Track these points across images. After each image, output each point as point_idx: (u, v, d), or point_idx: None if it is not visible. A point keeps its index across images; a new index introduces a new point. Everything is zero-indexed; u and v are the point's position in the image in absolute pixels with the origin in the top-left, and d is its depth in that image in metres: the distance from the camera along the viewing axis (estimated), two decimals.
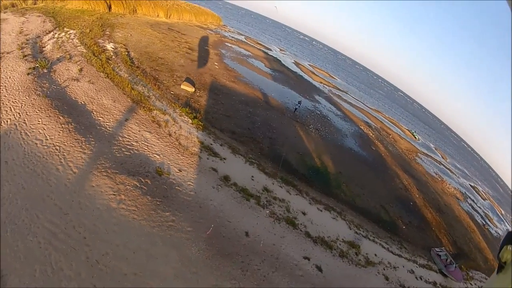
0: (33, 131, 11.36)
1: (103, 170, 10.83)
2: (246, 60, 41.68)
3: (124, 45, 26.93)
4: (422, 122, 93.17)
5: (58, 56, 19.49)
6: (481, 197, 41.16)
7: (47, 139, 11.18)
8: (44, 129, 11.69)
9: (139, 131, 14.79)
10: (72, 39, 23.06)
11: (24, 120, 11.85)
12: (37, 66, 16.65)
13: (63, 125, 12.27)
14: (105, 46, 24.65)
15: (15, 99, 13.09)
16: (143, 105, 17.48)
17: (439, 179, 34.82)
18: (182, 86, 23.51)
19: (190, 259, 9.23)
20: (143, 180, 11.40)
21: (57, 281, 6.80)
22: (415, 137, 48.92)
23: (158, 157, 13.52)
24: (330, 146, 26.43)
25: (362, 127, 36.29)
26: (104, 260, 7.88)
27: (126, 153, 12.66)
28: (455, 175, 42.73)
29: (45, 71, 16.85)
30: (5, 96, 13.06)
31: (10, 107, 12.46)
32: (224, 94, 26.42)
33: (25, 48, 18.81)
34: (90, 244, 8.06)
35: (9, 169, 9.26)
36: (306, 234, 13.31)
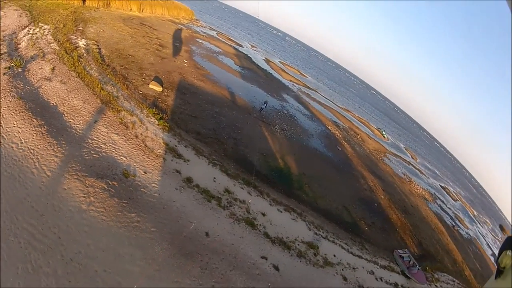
0: (9, 134, 12.45)
1: (73, 173, 12.25)
2: (216, 58, 43.01)
3: (96, 41, 27.54)
4: (393, 121, 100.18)
5: (32, 54, 20.15)
6: (452, 198, 46.38)
7: (22, 143, 12.33)
8: (19, 132, 12.78)
9: (107, 133, 16.10)
10: (46, 35, 23.73)
11: (0, 123, 12.81)
12: (12, 66, 17.45)
13: (36, 128, 13.38)
14: (77, 43, 25.27)
15: None
16: (112, 106, 18.65)
17: (407, 179, 38.94)
18: (150, 86, 24.63)
19: (154, 257, 11.08)
20: (110, 183, 12.96)
21: (37, 277, 8.42)
22: (384, 137, 53.60)
23: (125, 159, 15.02)
24: (295, 147, 29.02)
25: (329, 127, 39.53)
26: (77, 258, 9.55)
27: (95, 155, 14.05)
28: (425, 175, 47.78)
29: (20, 70, 17.63)
30: None
31: None
32: (192, 93, 27.85)
33: (2, 45, 19.26)
34: (65, 244, 9.67)
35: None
36: (265, 235, 15.61)
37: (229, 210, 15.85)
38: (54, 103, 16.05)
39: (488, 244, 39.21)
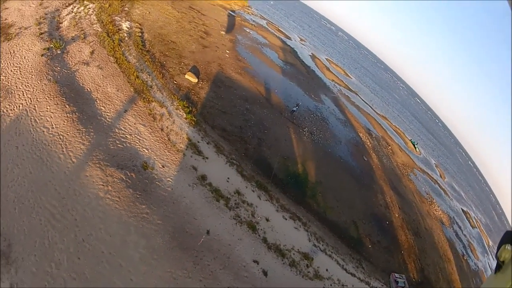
0: (41, 118, 14.25)
1: (96, 161, 13.75)
2: (260, 50, 42.89)
3: (139, 24, 29.03)
4: (431, 134, 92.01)
5: (73, 35, 21.99)
6: (470, 224, 42.89)
7: (53, 128, 14.08)
8: (51, 117, 14.53)
9: (134, 123, 17.52)
10: (90, 15, 25.33)
11: (35, 106, 14.72)
12: (52, 47, 19.26)
13: (68, 114, 15.08)
14: (120, 25, 26.88)
15: (28, 82, 15.90)
16: (144, 95, 20.06)
17: (429, 200, 36.66)
18: (186, 76, 25.75)
19: (154, 247, 12.28)
20: (129, 174, 14.31)
21: (51, 252, 9.96)
22: (416, 150, 50.18)
23: (146, 151, 16.33)
24: (319, 152, 28.64)
25: (361, 135, 38.01)
26: (88, 239, 11.00)
27: (119, 145, 15.51)
28: (449, 197, 44.40)
29: (59, 52, 19.48)
30: (18, 78, 15.85)
31: (22, 91, 15.31)
32: (226, 87, 28.51)
33: (43, 24, 21.36)
34: (79, 226, 11.17)
35: (19, 154, 12.27)
36: (263, 240, 16.16)
37: (234, 212, 16.56)
38: (89, 89, 17.74)
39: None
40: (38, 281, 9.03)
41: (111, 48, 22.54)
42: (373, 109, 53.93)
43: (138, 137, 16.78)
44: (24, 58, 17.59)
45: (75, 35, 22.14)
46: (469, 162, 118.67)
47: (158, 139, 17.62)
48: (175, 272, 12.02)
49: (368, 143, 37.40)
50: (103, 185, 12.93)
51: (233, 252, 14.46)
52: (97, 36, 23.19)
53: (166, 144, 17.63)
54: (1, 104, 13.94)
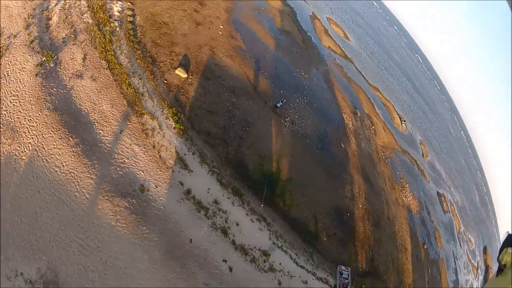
0: (51, 157, 19.27)
1: (105, 194, 19.61)
2: (257, 18, 43.01)
3: (131, 3, 29.89)
4: (424, 102, 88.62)
5: (64, 36, 24.55)
6: (443, 209, 50.32)
7: (63, 166, 19.28)
8: (59, 154, 19.49)
9: (130, 145, 22.58)
10: (80, 1, 26.66)
11: (42, 144, 19.49)
12: (44, 60, 22.42)
13: (73, 149, 20.03)
14: (112, 9, 28.37)
15: (30, 116, 20.18)
16: (136, 108, 24.33)
17: (401, 186, 43.19)
18: (176, 71, 28.90)
19: (154, 259, 19.31)
20: (131, 201, 20.37)
21: (86, 272, 16.84)
22: (402, 126, 55.38)
23: (142, 174, 21.97)
24: (297, 146, 34.15)
25: (345, 116, 42.78)
26: (109, 259, 17.84)
27: (120, 172, 21.07)
28: (426, 178, 51.57)
29: (52, 64, 22.77)
30: (20, 111, 20.04)
31: (27, 128, 19.79)
32: (216, 77, 31.79)
33: (32, 26, 23.78)
34: (102, 250, 17.85)
35: (42, 198, 17.91)
36: (232, 242, 23.39)
37: (212, 220, 23.31)
38: (86, 110, 22.03)
39: (455, 269, 45.66)
40: None
41: (102, 48, 25.36)
42: (365, 79, 56.63)
43: (134, 159, 22.14)
44: (20, 81, 21.13)
45: (66, 35, 24.63)
46: (462, 133, 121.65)
47: (151, 158, 22.99)
48: (168, 275, 19.40)
49: (350, 126, 42.54)
50: (113, 215, 19.15)
51: (208, 255, 21.76)
52: (87, 32, 25.64)
53: (158, 163, 23.10)
54: (12, 146, 18.53)
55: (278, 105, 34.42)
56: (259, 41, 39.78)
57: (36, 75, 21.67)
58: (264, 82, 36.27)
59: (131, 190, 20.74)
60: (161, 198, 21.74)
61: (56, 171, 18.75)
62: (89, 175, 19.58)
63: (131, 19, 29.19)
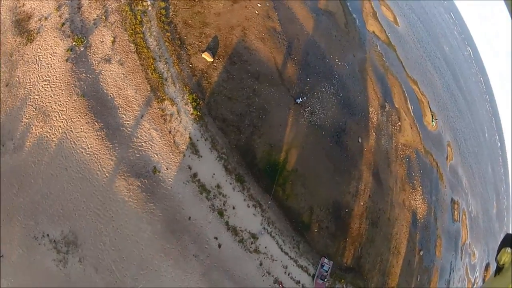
0: (78, 140, 22.65)
1: (122, 174, 23.17)
2: None
3: None
4: (464, 100, 77.81)
5: (95, 17, 26.17)
6: (453, 218, 48.49)
7: (89, 148, 22.71)
8: (86, 137, 22.79)
9: (148, 129, 25.32)
10: None
11: (71, 128, 22.72)
12: (74, 45, 24.40)
13: (97, 132, 23.19)
14: None
15: (60, 101, 23.19)
16: (158, 93, 26.42)
17: (412, 188, 42.55)
18: (203, 55, 29.72)
19: (156, 231, 23.29)
20: (143, 181, 23.85)
21: (100, 238, 21.27)
22: (432, 125, 51.53)
23: (156, 157, 25.03)
24: (310, 137, 34.67)
25: (371, 109, 41.32)
26: (120, 228, 22.08)
27: (137, 155, 24.28)
28: (443, 183, 49.29)
29: (82, 48, 24.79)
30: (51, 96, 22.96)
31: (58, 112, 22.94)
32: (242, 62, 32.05)
33: (63, 6, 25.41)
34: (115, 220, 22.04)
35: (69, 175, 21.75)
36: (226, 223, 26.68)
37: (211, 202, 26.45)
38: (112, 95, 24.62)
39: (448, 281, 44.96)
40: (95, 254, 20.76)
41: (132, 30, 26.77)
42: (405, 70, 51.67)
43: (151, 143, 25.06)
44: (51, 67, 23.77)
45: (97, 16, 26.28)
46: (497, 138, 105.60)
47: (166, 142, 25.75)
48: (165, 245, 23.49)
49: (374, 120, 41.30)
50: (127, 192, 22.92)
51: (202, 231, 25.41)
52: (119, 13, 26.86)
53: (171, 147, 25.87)
54: (43, 129, 21.84)
55: (298, 101, 34.14)
56: (297, 23, 37.87)
57: (67, 60, 24.13)
58: (291, 69, 35.70)
59: (144, 171, 24.09)
60: (169, 179, 24.94)
61: (82, 152, 22.36)
62: (109, 157, 23.03)
63: None
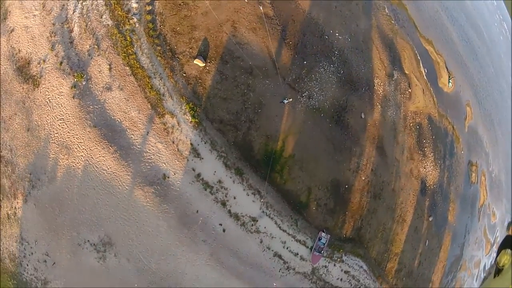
0: (99, 163, 27.92)
1: (138, 185, 28.64)
2: None
3: None
4: (487, 56, 66.25)
5: (88, 47, 28.74)
6: (470, 180, 46.96)
7: (109, 168, 28.03)
8: (104, 160, 27.95)
9: (155, 143, 29.65)
10: (97, 0, 28.47)
11: (91, 155, 27.72)
12: (76, 81, 27.76)
13: (113, 155, 28.20)
14: (129, 2, 29.48)
15: (77, 134, 27.88)
16: (158, 109, 29.84)
17: (422, 155, 42.12)
18: (195, 61, 31.42)
19: (170, 225, 29.54)
20: (156, 187, 29.20)
21: (127, 235, 27.94)
22: (449, 86, 47.12)
23: (164, 165, 29.80)
24: (308, 121, 35.78)
25: (376, 81, 39.97)
26: (143, 226, 28.64)
27: (148, 167, 29.25)
28: (459, 146, 46.56)
29: (84, 82, 28.17)
30: (68, 132, 27.61)
31: (77, 145, 27.76)
32: (234, 58, 33.10)
33: (56, 45, 28.08)
34: (138, 221, 28.55)
35: (97, 192, 27.63)
36: (228, 211, 31.79)
37: (214, 196, 31.33)
38: (119, 119, 28.78)
39: (462, 244, 45.14)
40: (126, 248, 27.65)
41: (124, 53, 29.21)
42: (417, 30, 45.68)
43: (158, 155, 29.65)
44: (61, 106, 28.16)
45: (89, 46, 29.03)
46: None
47: (171, 152, 30.13)
48: (179, 235, 29.80)
49: (380, 92, 40.32)
50: (144, 198, 28.69)
51: (208, 221, 31.03)
52: (109, 38, 29.18)
53: (176, 155, 30.27)
54: (69, 160, 26.92)
55: (285, 101, 34.29)
56: (291, 2, 35.77)
57: (73, 97, 28.16)
58: (286, 54, 35.65)
59: (156, 179, 29.29)
60: (177, 182, 29.97)
61: (104, 172, 27.83)
62: (126, 173, 28.39)
63: (150, 7, 30.41)
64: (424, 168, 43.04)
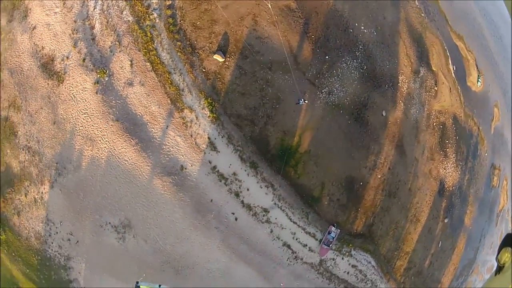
0: (121, 155, 29.91)
1: (157, 175, 30.54)
2: None
3: None
4: None
5: (110, 44, 29.99)
6: (491, 184, 45.09)
7: (130, 159, 29.99)
8: (126, 152, 29.90)
9: (174, 136, 31.06)
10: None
11: (114, 147, 29.61)
12: (99, 77, 29.03)
13: (134, 147, 30.03)
14: None
15: (100, 127, 29.76)
16: (178, 104, 30.86)
17: (444, 156, 40.67)
18: (214, 56, 31.78)
19: (186, 213, 31.63)
20: (174, 177, 30.99)
21: (145, 219, 30.24)
22: (478, 85, 43.68)
23: (182, 157, 31.35)
24: (327, 117, 35.62)
25: (401, 77, 38.32)
26: (160, 212, 31.02)
27: (167, 158, 30.91)
28: (484, 148, 44.27)
29: (106, 78, 29.42)
30: (92, 125, 29.37)
31: (100, 137, 29.65)
32: (254, 53, 33.18)
33: (79, 42, 29.14)
34: (155, 208, 30.90)
35: (119, 181, 29.79)
36: (241, 202, 33.18)
37: (229, 187, 32.76)
38: (140, 114, 30.34)
39: (476, 248, 43.81)
40: (143, 231, 30.10)
41: (145, 49, 30.04)
42: (448, 24, 41.99)
43: (177, 147, 31.15)
44: (85, 101, 29.86)
45: (111, 42, 30.05)
46: None
47: (189, 145, 31.53)
48: (193, 221, 31.89)
49: (404, 89, 38.83)
50: (162, 187, 30.69)
51: (221, 209, 32.69)
52: (130, 34, 30.06)
53: (194, 148, 31.65)
54: (93, 151, 28.82)
55: (300, 102, 33.86)
56: None
57: (96, 92, 29.73)
58: (307, 49, 34.99)
59: (174, 170, 31.02)
60: (194, 173, 31.59)
61: (125, 163, 29.98)
62: (146, 164, 30.31)
63: (170, 2, 30.67)
64: (445, 169, 41.70)
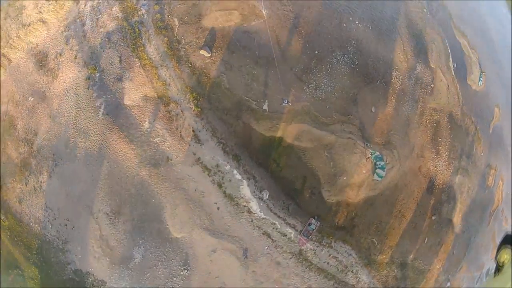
0: (112, 146, 32.07)
1: (145, 165, 32.80)
2: None
3: None
4: None
5: (100, 40, 30.84)
6: (486, 184, 43.66)
7: (121, 151, 32.08)
8: (116, 144, 31.98)
9: (160, 129, 32.76)
10: None
11: (105, 140, 31.71)
12: (90, 73, 30.34)
13: (123, 140, 32.10)
14: None
15: (92, 121, 31.99)
16: (164, 99, 32.19)
17: (435, 153, 39.80)
18: (200, 52, 32.42)
19: (176, 203, 33.75)
20: (161, 168, 33.00)
21: (130, 205, 32.83)
22: (479, 84, 40.88)
23: (168, 149, 33.20)
24: (312, 113, 35.90)
25: (395, 73, 37.07)
26: (148, 200, 33.26)
27: (154, 150, 32.90)
28: (480, 148, 42.75)
29: (97, 74, 30.85)
30: (85, 119, 31.27)
31: (93, 130, 31.83)
32: (241, 49, 33.45)
33: (71, 39, 30.28)
34: (143, 196, 33.36)
35: (110, 172, 32.06)
36: (224, 192, 34.94)
37: (212, 178, 34.51)
38: (128, 108, 31.68)
39: (465, 246, 42.59)
40: (133, 215, 32.70)
41: (133, 45, 30.98)
42: (451, 19, 38.72)
43: (163, 139, 32.95)
44: (78, 95, 31.59)
45: (101, 39, 31.08)
46: None
47: (174, 137, 33.22)
48: (185, 215, 33.95)
49: (397, 86, 37.73)
50: (149, 177, 32.97)
51: (205, 199, 34.64)
52: (119, 30, 30.92)
53: (179, 141, 33.33)
54: (86, 143, 30.98)
55: (284, 103, 34.01)
56: None
57: (88, 88, 31.44)
58: (296, 44, 34.70)
59: (160, 161, 33.10)
60: (179, 164, 33.48)
61: (116, 154, 32.16)
62: (135, 155, 32.51)
63: None
64: (435, 166, 40.79)
